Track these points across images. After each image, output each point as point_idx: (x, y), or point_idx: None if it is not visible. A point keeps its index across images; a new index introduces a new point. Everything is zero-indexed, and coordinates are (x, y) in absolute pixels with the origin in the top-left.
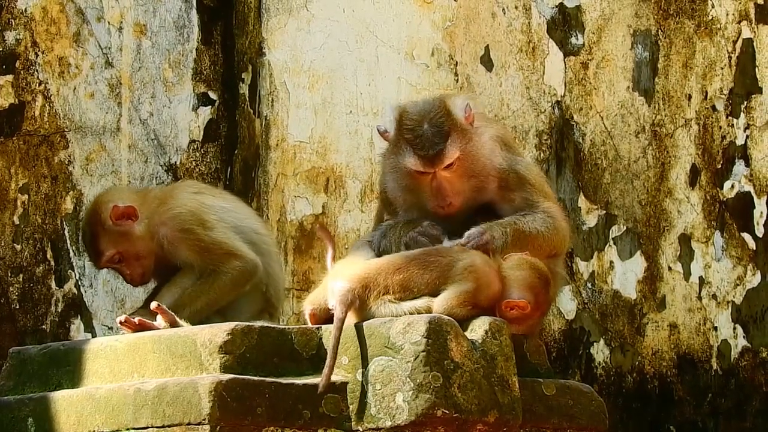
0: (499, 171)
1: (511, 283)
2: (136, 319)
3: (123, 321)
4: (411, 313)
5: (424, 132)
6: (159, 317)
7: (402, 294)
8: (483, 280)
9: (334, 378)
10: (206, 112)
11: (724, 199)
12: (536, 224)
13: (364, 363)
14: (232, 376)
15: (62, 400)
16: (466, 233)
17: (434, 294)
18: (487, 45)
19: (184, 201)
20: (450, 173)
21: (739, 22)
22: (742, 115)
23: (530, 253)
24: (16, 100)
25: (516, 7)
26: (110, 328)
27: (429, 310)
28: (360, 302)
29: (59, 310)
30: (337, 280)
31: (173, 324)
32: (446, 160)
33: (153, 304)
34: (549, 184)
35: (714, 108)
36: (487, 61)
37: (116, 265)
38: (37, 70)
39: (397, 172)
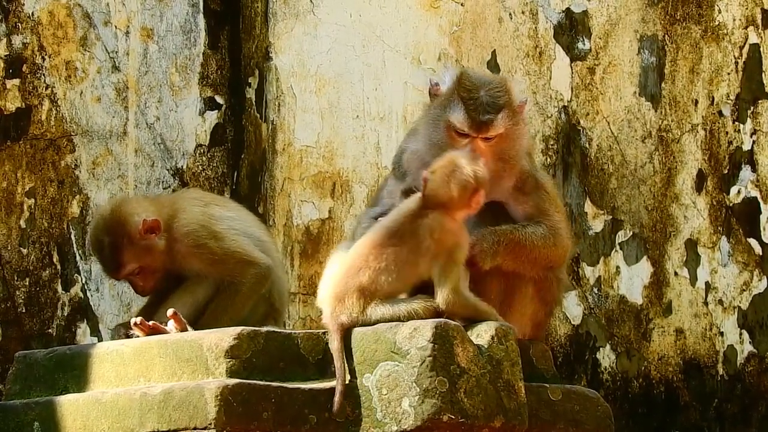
0: (521, 171)
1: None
2: (151, 323)
3: (138, 323)
4: (410, 316)
5: (481, 96)
6: (171, 323)
7: (381, 290)
8: (454, 238)
9: None
10: (213, 117)
11: (731, 204)
12: (535, 237)
13: (371, 368)
14: (238, 380)
15: (68, 404)
16: None
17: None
18: (494, 50)
19: (195, 216)
20: (486, 146)
21: (746, 28)
22: (749, 120)
23: (523, 265)
24: (23, 104)
25: (523, 12)
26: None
27: (428, 310)
28: (348, 318)
29: (65, 314)
30: (322, 302)
31: (184, 331)
32: (491, 131)
33: (169, 311)
34: (560, 197)
35: (720, 113)
36: (493, 66)
37: (132, 277)
38: (43, 74)
39: (435, 126)
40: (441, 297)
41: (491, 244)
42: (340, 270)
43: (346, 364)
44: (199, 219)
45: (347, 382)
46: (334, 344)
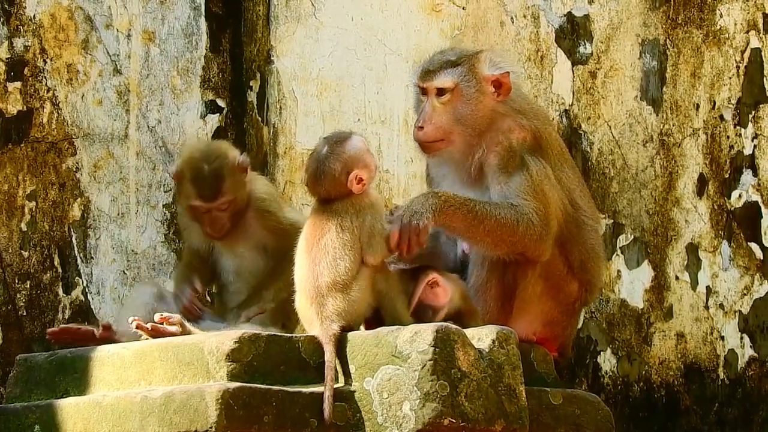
0: (504, 148)
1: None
2: (149, 325)
3: (137, 326)
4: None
5: (440, 57)
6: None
7: (348, 277)
8: (366, 199)
9: (341, 386)
10: (214, 120)
11: (732, 208)
12: (492, 209)
13: (371, 372)
14: (239, 384)
15: (69, 407)
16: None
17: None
18: None
19: (266, 186)
20: (440, 103)
21: (748, 32)
22: (750, 124)
23: (478, 234)
24: (24, 106)
25: (524, 16)
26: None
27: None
28: (339, 322)
29: (66, 317)
30: (305, 322)
31: (183, 328)
32: (436, 80)
33: (156, 316)
34: (555, 191)
35: (722, 117)
36: None
37: (219, 212)
38: (45, 77)
39: (414, 95)
40: (371, 258)
41: (425, 201)
42: (303, 287)
43: (334, 374)
44: (269, 190)
45: (342, 386)
46: (328, 355)
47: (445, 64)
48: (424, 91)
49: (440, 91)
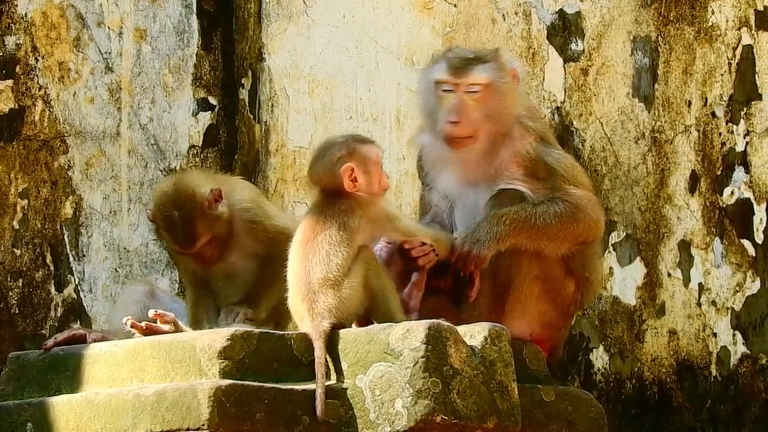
0: (525, 158)
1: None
2: (143, 324)
3: (131, 325)
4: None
5: (465, 53)
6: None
7: (340, 274)
8: (375, 208)
9: (333, 384)
10: (206, 118)
11: (724, 205)
12: (547, 216)
13: (363, 369)
14: (231, 381)
15: (61, 405)
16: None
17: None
18: None
19: (249, 194)
20: (472, 99)
21: (739, 29)
22: (742, 121)
23: (544, 243)
24: (16, 104)
25: (516, 13)
26: None
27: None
28: (330, 319)
29: (59, 315)
30: (296, 318)
31: (176, 326)
32: (471, 77)
33: (150, 312)
34: (584, 174)
35: (714, 114)
36: None
37: (203, 249)
38: (37, 75)
39: (426, 95)
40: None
41: (486, 233)
42: (295, 283)
43: (325, 371)
44: (252, 197)
45: (335, 383)
46: (317, 352)
47: (475, 61)
48: (454, 88)
49: (472, 88)
